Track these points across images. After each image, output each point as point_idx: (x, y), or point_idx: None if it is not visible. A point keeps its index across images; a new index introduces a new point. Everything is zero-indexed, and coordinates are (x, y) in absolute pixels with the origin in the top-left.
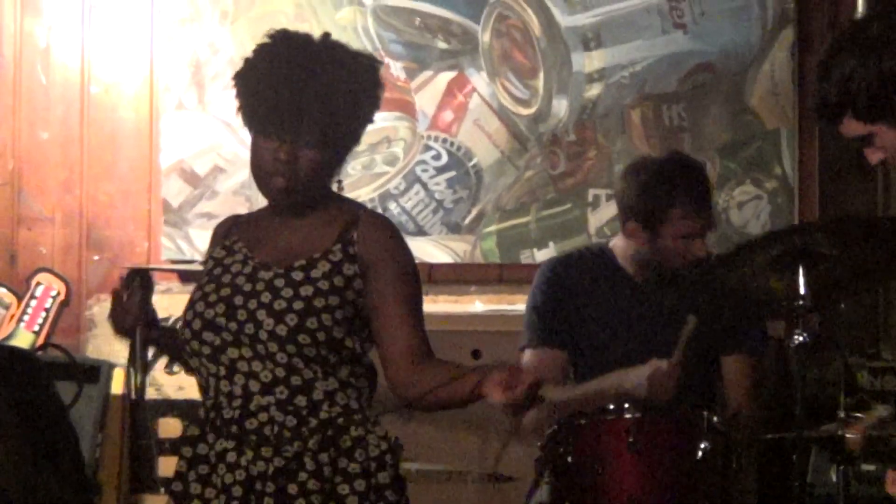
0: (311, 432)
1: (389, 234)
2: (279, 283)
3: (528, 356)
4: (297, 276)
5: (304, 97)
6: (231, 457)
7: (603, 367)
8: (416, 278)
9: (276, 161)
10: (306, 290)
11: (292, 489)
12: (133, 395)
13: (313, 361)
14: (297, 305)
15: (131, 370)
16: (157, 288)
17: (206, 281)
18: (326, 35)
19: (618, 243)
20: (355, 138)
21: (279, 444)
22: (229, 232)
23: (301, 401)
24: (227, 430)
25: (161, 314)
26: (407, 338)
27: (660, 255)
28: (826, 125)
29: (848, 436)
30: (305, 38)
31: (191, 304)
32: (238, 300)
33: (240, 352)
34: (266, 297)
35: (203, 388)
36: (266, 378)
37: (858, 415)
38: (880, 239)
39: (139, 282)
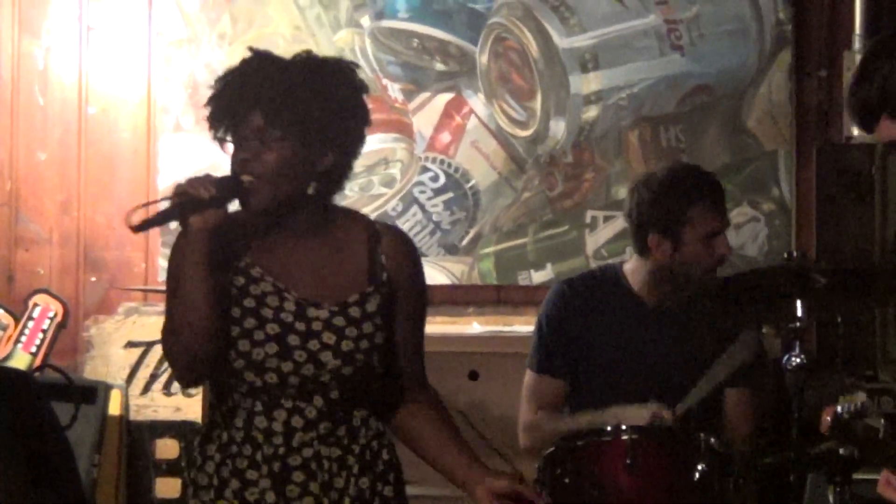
0: (354, 459)
1: (413, 252)
2: (339, 321)
3: (530, 378)
4: (355, 312)
5: (260, 92)
6: (270, 497)
7: (611, 391)
8: (427, 298)
9: (241, 162)
10: (368, 328)
11: None
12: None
13: (363, 393)
14: (364, 345)
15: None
16: (153, 310)
17: (240, 314)
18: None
19: (629, 266)
20: (332, 139)
21: (328, 479)
22: (235, 248)
23: (342, 430)
24: (269, 468)
25: (158, 336)
26: (414, 365)
27: (686, 265)
28: (863, 127)
29: (824, 419)
30: (272, 54)
31: (228, 339)
32: (293, 340)
33: (283, 391)
34: (329, 338)
35: (228, 416)
36: (310, 415)
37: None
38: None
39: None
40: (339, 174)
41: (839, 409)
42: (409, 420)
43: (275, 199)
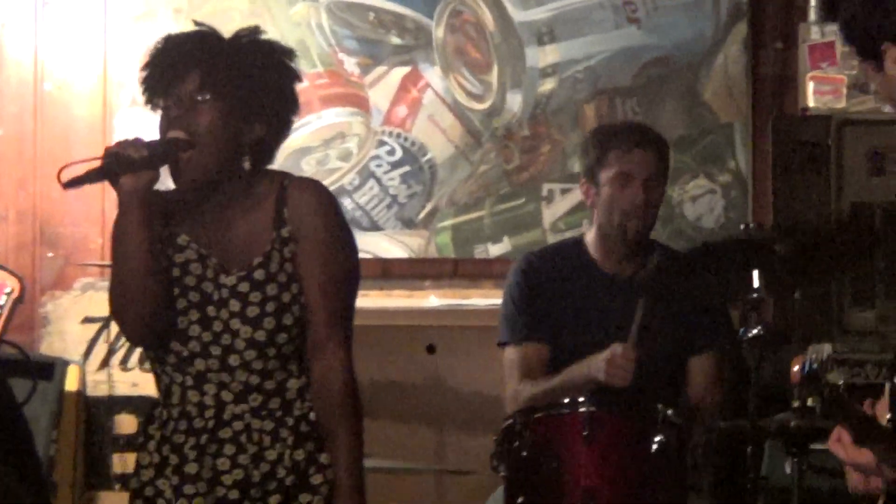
0: (288, 432)
1: (320, 203)
2: (244, 287)
3: (511, 353)
4: (259, 275)
5: (198, 55)
6: (192, 468)
7: (575, 363)
8: (345, 255)
9: (170, 119)
10: (272, 289)
11: (271, 486)
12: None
13: (290, 359)
14: (270, 307)
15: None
16: (106, 285)
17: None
18: None
19: (589, 234)
20: (262, 111)
21: (259, 451)
22: (164, 217)
23: (275, 403)
24: (196, 441)
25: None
26: (313, 325)
27: (604, 211)
28: (863, 55)
29: (793, 370)
30: (214, 29)
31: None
32: (211, 310)
33: (207, 363)
34: (235, 305)
35: (164, 394)
36: (237, 388)
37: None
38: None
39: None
40: (267, 149)
41: (807, 359)
42: (312, 382)
43: (204, 168)
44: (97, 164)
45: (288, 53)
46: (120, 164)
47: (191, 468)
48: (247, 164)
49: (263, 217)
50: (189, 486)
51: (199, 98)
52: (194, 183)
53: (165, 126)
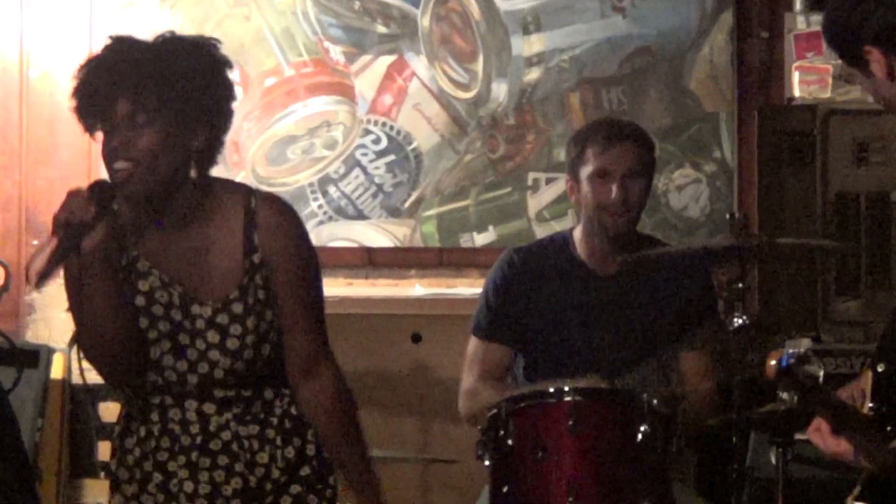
0: (274, 431)
1: (288, 224)
2: (223, 319)
3: (474, 345)
4: (238, 309)
5: (125, 79)
6: (188, 487)
7: (561, 359)
8: (316, 272)
9: (112, 150)
10: (251, 322)
11: (268, 486)
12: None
13: (265, 377)
14: (250, 340)
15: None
16: None
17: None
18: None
19: (576, 232)
20: (202, 116)
21: (252, 457)
22: (122, 244)
23: (256, 407)
24: (186, 458)
25: None
26: (299, 343)
27: (585, 208)
28: (843, 56)
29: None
30: (133, 38)
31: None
32: (183, 338)
33: (184, 389)
34: (214, 337)
35: (142, 411)
36: (218, 402)
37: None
38: None
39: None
40: (212, 151)
41: (784, 354)
42: (304, 399)
43: (154, 183)
44: (54, 243)
45: (212, 44)
46: (75, 233)
47: (186, 486)
48: (192, 172)
49: (232, 242)
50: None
51: (135, 121)
52: (146, 200)
53: (108, 158)
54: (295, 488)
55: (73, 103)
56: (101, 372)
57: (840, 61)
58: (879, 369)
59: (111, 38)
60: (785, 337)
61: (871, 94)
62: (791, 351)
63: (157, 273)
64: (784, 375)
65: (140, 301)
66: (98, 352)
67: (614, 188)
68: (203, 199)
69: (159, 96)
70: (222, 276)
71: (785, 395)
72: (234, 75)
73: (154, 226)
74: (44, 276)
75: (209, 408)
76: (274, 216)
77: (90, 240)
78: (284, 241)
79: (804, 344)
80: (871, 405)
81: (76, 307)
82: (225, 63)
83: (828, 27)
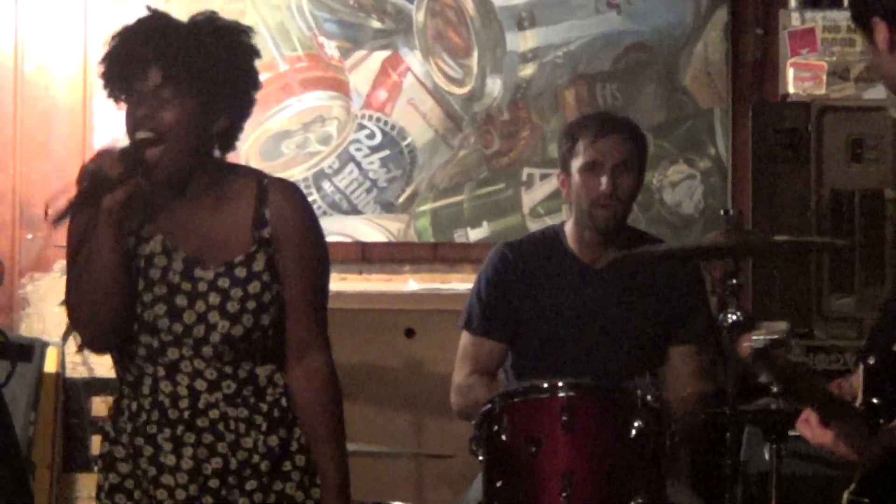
0: (262, 418)
1: (300, 206)
2: (224, 282)
3: (466, 340)
4: (241, 272)
5: (160, 48)
6: (171, 460)
7: (553, 353)
8: (323, 260)
9: (137, 120)
10: (254, 288)
11: (247, 472)
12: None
13: (260, 353)
14: (251, 305)
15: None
16: None
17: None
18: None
19: (568, 224)
20: (227, 101)
21: (236, 439)
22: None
23: (248, 390)
24: (171, 432)
25: None
26: (296, 327)
27: (576, 201)
28: (857, 22)
29: (742, 345)
30: (168, 14)
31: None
32: (181, 301)
33: (181, 352)
34: (215, 299)
35: (133, 385)
36: (211, 376)
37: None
38: None
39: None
40: (232, 136)
41: (757, 335)
42: (294, 383)
43: (176, 164)
44: (76, 190)
45: (245, 31)
46: (99, 185)
47: (169, 460)
48: (216, 153)
49: (242, 215)
50: (167, 476)
51: (163, 94)
52: (168, 179)
53: (132, 126)
54: (278, 485)
55: (101, 69)
56: (86, 334)
57: (834, 58)
58: (870, 362)
59: (149, 9)
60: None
61: (872, 66)
62: (764, 331)
63: (161, 238)
64: (758, 358)
65: (139, 263)
66: (88, 310)
67: (604, 180)
68: (217, 178)
69: (190, 72)
70: (226, 242)
71: (763, 379)
72: None
73: (165, 200)
74: (61, 217)
75: (200, 384)
76: (286, 197)
77: (112, 197)
78: (294, 223)
79: (780, 327)
80: (862, 398)
81: (74, 261)
82: (255, 51)
83: None
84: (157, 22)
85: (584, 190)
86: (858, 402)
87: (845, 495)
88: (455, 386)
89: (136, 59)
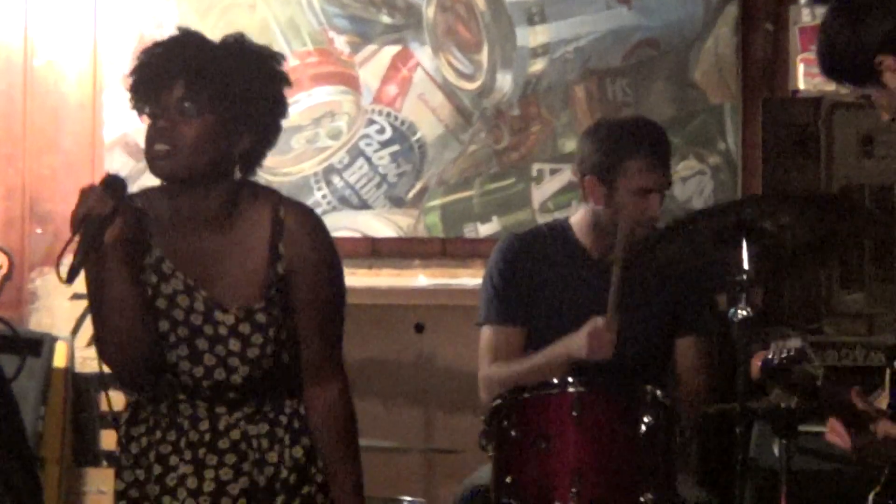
0: (283, 430)
1: (316, 237)
2: (244, 328)
3: (487, 333)
4: (261, 318)
5: (186, 63)
6: (192, 483)
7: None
8: (339, 286)
9: (156, 132)
10: (273, 331)
11: (276, 486)
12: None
13: (279, 381)
14: (270, 349)
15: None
16: None
17: (153, 316)
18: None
19: (575, 218)
20: (250, 121)
21: (261, 456)
22: (146, 238)
23: (268, 407)
24: (192, 454)
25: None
26: (311, 352)
27: (616, 216)
28: (852, 79)
29: (755, 364)
30: (201, 33)
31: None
32: (202, 344)
33: (199, 391)
34: (235, 345)
35: (151, 399)
36: (230, 401)
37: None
38: (821, 215)
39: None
40: (255, 159)
41: (770, 354)
42: (310, 408)
43: (188, 170)
44: (77, 240)
45: (275, 57)
46: (98, 226)
47: (191, 483)
48: (237, 174)
49: (258, 251)
50: (191, 500)
51: (185, 108)
52: (180, 182)
53: (150, 139)
54: (305, 489)
55: (128, 81)
56: (116, 371)
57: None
58: None
59: (179, 29)
60: (777, 334)
61: (885, 108)
62: (776, 350)
63: (182, 276)
64: (771, 377)
65: (162, 304)
66: (116, 349)
67: (654, 205)
68: (234, 202)
69: (212, 90)
70: (246, 283)
71: (776, 395)
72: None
73: (178, 221)
74: (74, 273)
75: (220, 408)
76: (301, 227)
77: (112, 231)
78: (310, 253)
79: (793, 343)
80: (889, 402)
81: (96, 302)
82: (284, 78)
83: (828, 52)
84: (187, 39)
85: (632, 212)
86: (885, 404)
87: (871, 497)
88: (482, 380)
89: (163, 72)
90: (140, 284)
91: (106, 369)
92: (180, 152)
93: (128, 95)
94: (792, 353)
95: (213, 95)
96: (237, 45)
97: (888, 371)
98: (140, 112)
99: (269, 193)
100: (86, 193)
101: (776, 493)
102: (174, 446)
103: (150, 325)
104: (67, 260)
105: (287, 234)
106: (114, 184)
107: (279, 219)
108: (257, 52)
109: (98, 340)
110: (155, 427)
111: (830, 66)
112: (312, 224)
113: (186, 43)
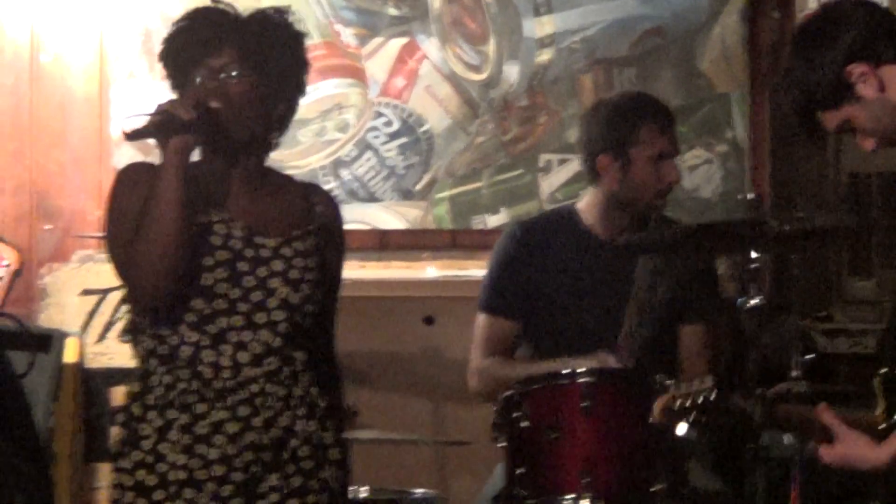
0: (297, 401)
1: (339, 216)
2: (287, 251)
3: (482, 321)
4: (300, 245)
5: (235, 28)
6: (231, 427)
7: (567, 329)
8: (341, 266)
9: (208, 90)
10: (312, 262)
11: (284, 455)
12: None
13: (303, 333)
14: (310, 276)
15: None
16: (105, 257)
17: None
18: None
19: (582, 203)
20: (287, 87)
21: (273, 416)
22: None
23: (287, 371)
24: (223, 402)
25: (113, 283)
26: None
27: (635, 188)
28: (812, 131)
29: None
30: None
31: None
32: (242, 266)
33: (229, 321)
34: (278, 266)
35: (165, 359)
36: (256, 349)
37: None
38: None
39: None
40: (287, 122)
41: (675, 401)
42: None
43: (236, 139)
44: (152, 118)
45: (290, 19)
46: (169, 124)
47: (201, 428)
48: (275, 139)
49: (297, 201)
50: (202, 446)
51: (234, 72)
52: (225, 151)
53: (202, 95)
54: (322, 472)
55: (165, 48)
56: (142, 285)
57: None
58: (882, 371)
59: (212, 2)
60: (802, 314)
61: (865, 127)
62: (683, 395)
63: (218, 211)
64: (704, 411)
65: (196, 231)
66: (150, 266)
67: (673, 170)
68: (266, 168)
69: (261, 53)
70: (284, 218)
71: (788, 383)
72: None
73: (220, 181)
74: (137, 134)
75: (243, 356)
76: (329, 203)
77: (178, 139)
78: (337, 227)
79: (704, 383)
80: (884, 406)
81: (142, 215)
82: (305, 36)
83: (797, 84)
84: (226, 8)
85: (653, 178)
86: (879, 412)
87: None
88: (473, 369)
89: (209, 37)
90: (186, 203)
91: (116, 364)
92: (231, 111)
93: (163, 62)
94: (706, 392)
95: (258, 61)
96: (277, 15)
97: (875, 381)
98: (174, 78)
99: (288, 176)
100: (180, 98)
101: (788, 482)
102: (199, 395)
103: (189, 245)
104: None
105: (320, 201)
106: (202, 106)
107: (308, 188)
108: (292, 25)
109: (130, 265)
110: (174, 382)
111: (802, 99)
112: (335, 202)
113: (229, 12)
